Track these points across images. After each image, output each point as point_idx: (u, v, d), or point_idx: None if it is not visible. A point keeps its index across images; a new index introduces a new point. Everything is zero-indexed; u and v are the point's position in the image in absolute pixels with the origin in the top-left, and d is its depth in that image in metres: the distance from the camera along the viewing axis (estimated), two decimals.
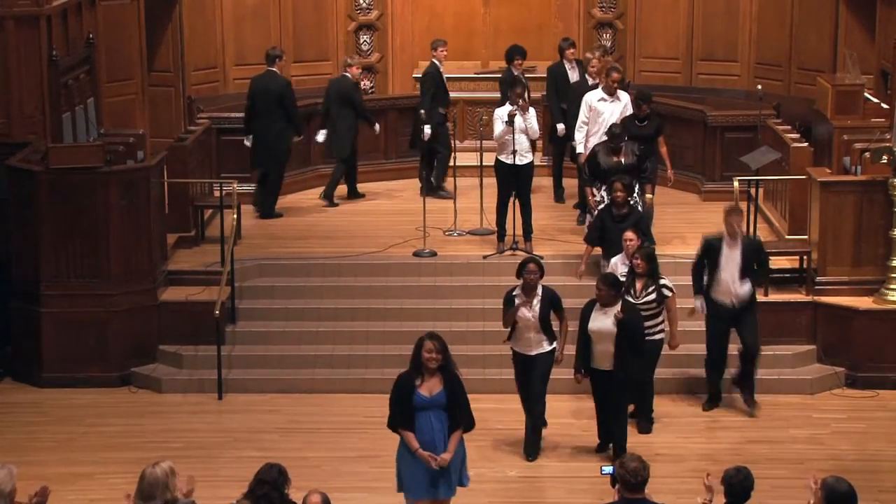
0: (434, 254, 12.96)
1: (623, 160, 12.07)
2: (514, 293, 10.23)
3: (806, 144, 13.36)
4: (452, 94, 16.12)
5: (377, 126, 14.88)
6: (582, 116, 12.89)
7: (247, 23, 16.23)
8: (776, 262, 12.46)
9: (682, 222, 13.19)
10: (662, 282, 10.77)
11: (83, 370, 12.05)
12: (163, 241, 12.75)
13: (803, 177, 12.69)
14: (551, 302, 10.24)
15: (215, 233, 13.16)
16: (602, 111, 12.80)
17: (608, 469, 7.60)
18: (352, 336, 12.33)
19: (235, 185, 13.11)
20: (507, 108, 12.83)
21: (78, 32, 13.84)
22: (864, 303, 12.01)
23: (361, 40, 16.62)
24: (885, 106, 13.78)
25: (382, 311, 12.50)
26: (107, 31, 14.55)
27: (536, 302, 10.17)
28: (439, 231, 13.43)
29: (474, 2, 16.88)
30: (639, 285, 10.68)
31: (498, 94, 14.56)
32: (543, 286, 10.28)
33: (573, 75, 14.27)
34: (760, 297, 12.04)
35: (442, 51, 14.77)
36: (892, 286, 11.90)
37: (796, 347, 12.08)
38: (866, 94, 13.88)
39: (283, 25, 16.32)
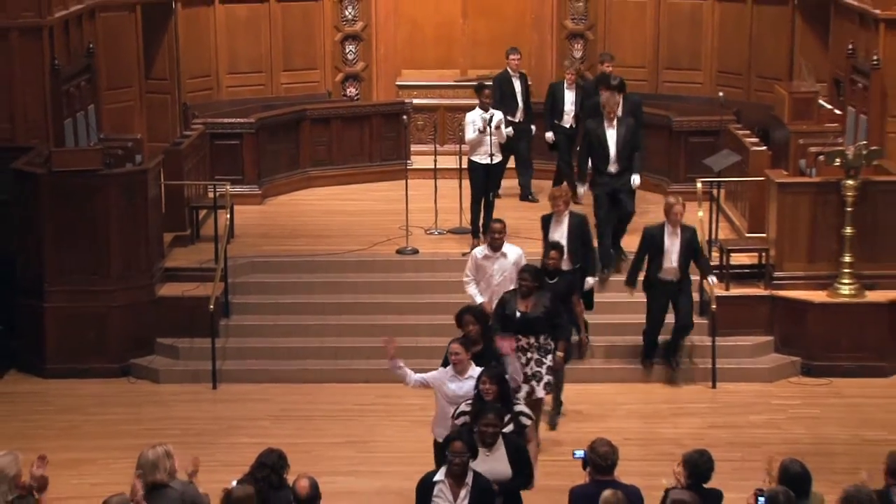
0: (416, 251, 12.99)
1: (529, 311, 9.86)
2: (435, 479, 7.31)
3: (764, 148, 13.42)
4: (432, 102, 16.23)
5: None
6: (468, 272, 10.78)
7: (239, 33, 16.21)
8: (737, 259, 12.56)
9: (649, 221, 13.20)
10: (519, 408, 8.32)
11: (85, 362, 12.04)
12: (160, 239, 12.75)
13: (762, 178, 12.75)
14: (483, 495, 7.31)
15: (209, 232, 13.14)
16: (486, 268, 10.68)
17: (580, 453, 7.63)
18: (339, 329, 12.36)
19: (228, 187, 13.14)
20: (479, 112, 12.93)
21: (79, 42, 13.82)
22: (818, 296, 12.08)
23: (347, 50, 16.63)
24: (838, 112, 13.88)
25: (368, 305, 12.53)
26: (106, 41, 14.54)
27: (465, 495, 7.25)
28: (421, 230, 13.47)
29: (454, 13, 16.89)
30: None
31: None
32: (475, 472, 7.32)
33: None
34: (721, 291, 12.13)
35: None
36: (844, 281, 11.98)
37: (755, 338, 12.15)
38: (820, 101, 13.96)
39: (273, 36, 16.30)
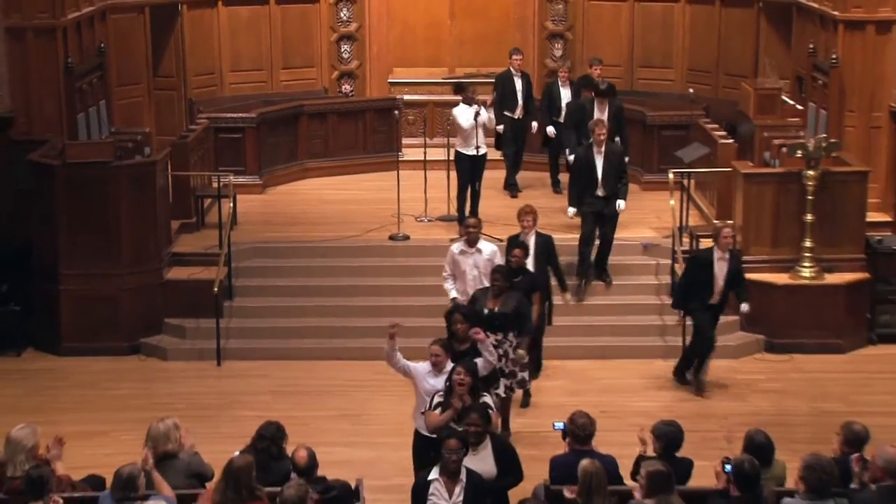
0: (407, 237, 12.98)
1: (497, 308, 9.63)
2: (430, 478, 7.10)
3: (731, 141, 13.44)
4: (422, 98, 16.19)
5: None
6: (446, 268, 10.63)
7: (241, 34, 16.16)
8: (706, 244, 12.53)
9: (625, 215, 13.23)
10: (484, 399, 8.08)
11: (97, 341, 12.02)
12: (167, 226, 12.71)
13: (729, 169, 12.76)
14: (477, 491, 7.07)
15: (214, 219, 13.12)
16: (462, 263, 10.48)
17: (560, 425, 7.65)
18: (335, 310, 12.35)
19: (231, 177, 13.12)
20: (464, 107, 12.89)
21: (91, 42, 13.77)
22: (781, 278, 12.12)
23: (342, 49, 16.58)
24: (799, 107, 13.90)
25: (362, 287, 12.52)
26: (117, 41, 14.48)
27: (459, 491, 7.03)
28: (412, 217, 13.45)
29: (442, 15, 16.87)
30: (457, 405, 7.86)
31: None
32: (468, 469, 7.12)
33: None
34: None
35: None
36: (805, 264, 12.02)
37: (723, 318, 12.04)
38: (783, 97, 13.97)
39: (273, 36, 16.26)
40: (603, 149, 12.01)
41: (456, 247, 10.62)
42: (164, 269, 12.40)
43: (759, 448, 7.34)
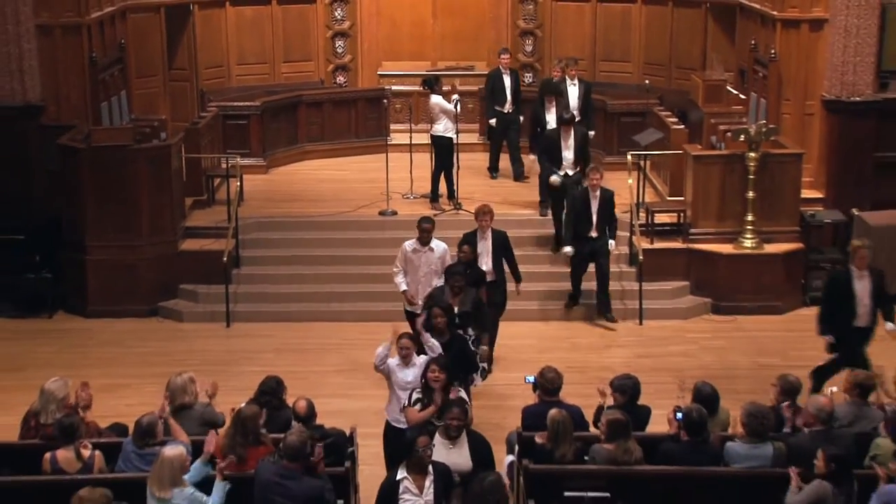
0: (395, 213, 12.95)
1: (458, 307, 9.06)
2: (398, 478, 6.58)
3: (682, 126, 13.43)
4: (408, 88, 16.10)
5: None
6: (397, 263, 10.16)
7: (246, 31, 16.02)
8: (659, 218, 12.58)
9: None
10: (460, 394, 7.72)
11: (120, 304, 11.98)
12: (181, 203, 12.64)
13: (681, 152, 12.77)
14: (445, 480, 6.63)
15: (223, 196, 13.07)
16: (414, 261, 10.03)
17: (531, 378, 7.68)
18: (331, 277, 12.32)
19: (238, 159, 13.04)
20: (439, 98, 12.91)
21: (112, 38, 13.65)
22: (726, 248, 12.14)
23: (337, 45, 16.47)
24: (742, 97, 13.89)
25: (355, 257, 12.50)
26: (135, 37, 14.35)
27: (429, 484, 6.53)
28: (399, 195, 13.41)
29: (425, 14, 16.76)
30: (438, 401, 7.41)
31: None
32: (435, 462, 6.64)
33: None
34: (646, 245, 12.16)
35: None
36: (747, 236, 12.05)
37: (674, 283, 12.20)
38: (728, 88, 13.96)
39: (275, 33, 16.13)
40: (598, 193, 11.45)
41: (409, 245, 10.06)
42: (179, 240, 12.34)
43: (706, 398, 7.39)
